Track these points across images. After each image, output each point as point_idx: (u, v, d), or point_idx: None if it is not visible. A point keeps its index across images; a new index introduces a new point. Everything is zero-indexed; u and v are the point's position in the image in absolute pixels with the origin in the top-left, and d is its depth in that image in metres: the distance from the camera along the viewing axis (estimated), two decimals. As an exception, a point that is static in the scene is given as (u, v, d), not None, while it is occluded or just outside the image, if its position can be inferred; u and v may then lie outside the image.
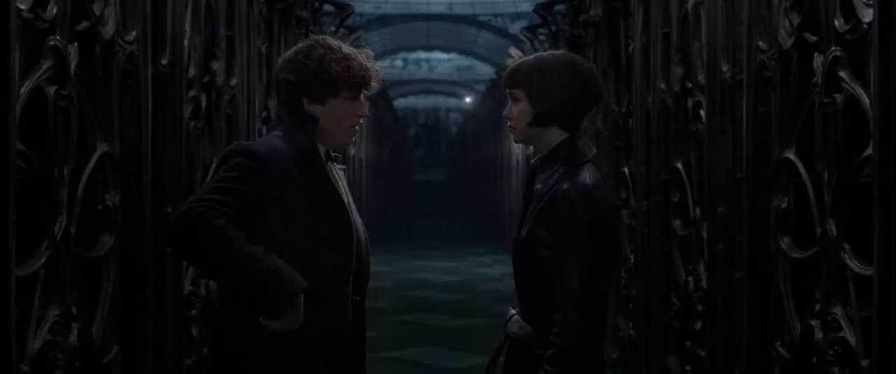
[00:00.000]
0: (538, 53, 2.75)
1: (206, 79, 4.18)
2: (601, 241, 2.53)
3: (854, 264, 2.74)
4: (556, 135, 2.66)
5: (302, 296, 2.67)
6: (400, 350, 7.57)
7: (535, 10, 8.71)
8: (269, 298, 2.65)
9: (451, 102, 45.52)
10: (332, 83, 2.81)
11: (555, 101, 2.62)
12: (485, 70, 32.63)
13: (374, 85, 2.89)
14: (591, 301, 2.50)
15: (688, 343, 4.43)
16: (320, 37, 2.92)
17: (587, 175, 2.57)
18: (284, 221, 2.71)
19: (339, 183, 2.92)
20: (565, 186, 2.55)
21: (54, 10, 2.68)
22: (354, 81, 2.83)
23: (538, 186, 2.64)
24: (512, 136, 2.77)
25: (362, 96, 2.87)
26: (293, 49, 2.89)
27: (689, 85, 4.39)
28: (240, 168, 2.68)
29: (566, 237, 2.51)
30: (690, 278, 4.38)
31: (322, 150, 2.85)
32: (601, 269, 2.53)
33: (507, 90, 2.71)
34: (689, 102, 4.39)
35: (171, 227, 2.65)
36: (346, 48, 2.88)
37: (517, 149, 13.76)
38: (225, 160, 2.76)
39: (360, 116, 2.90)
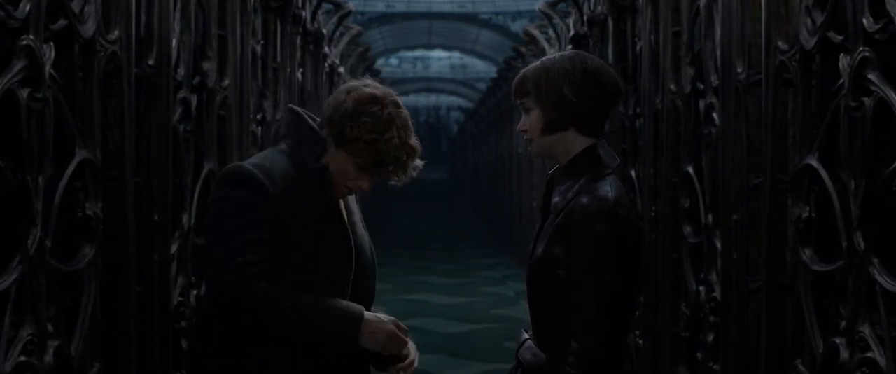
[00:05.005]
0: (543, 57, 2.58)
1: (197, 80, 4.02)
2: (623, 261, 2.32)
3: (884, 280, 2.57)
4: (575, 142, 2.46)
5: (366, 314, 2.62)
6: (400, 357, 7.40)
7: (538, 9, 8.57)
8: (337, 334, 2.59)
9: (452, 100, 45.49)
10: (352, 141, 2.64)
11: (567, 103, 2.43)
12: (482, 68, 32.58)
13: (394, 179, 2.71)
14: (611, 328, 2.29)
15: (699, 355, 4.27)
16: (394, 100, 2.69)
17: (609, 188, 2.36)
18: (283, 246, 2.60)
19: (350, 206, 2.80)
20: (585, 199, 2.35)
21: (28, 8, 2.51)
22: (376, 159, 2.65)
23: (556, 198, 2.43)
24: (531, 150, 2.58)
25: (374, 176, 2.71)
26: (371, 84, 2.71)
27: (701, 86, 4.23)
28: (248, 208, 2.58)
29: (584, 257, 2.31)
30: (702, 288, 4.22)
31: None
32: (622, 292, 2.33)
33: (518, 102, 2.53)
34: (701, 104, 4.22)
35: (218, 302, 2.61)
36: (409, 128, 2.67)
37: (521, 148, 13.58)
38: (225, 187, 2.63)
39: (358, 188, 2.74)
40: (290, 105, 2.79)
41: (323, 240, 2.64)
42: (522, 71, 2.56)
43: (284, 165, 2.64)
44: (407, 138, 2.65)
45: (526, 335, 2.51)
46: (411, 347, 2.80)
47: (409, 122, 2.71)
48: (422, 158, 2.72)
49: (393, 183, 2.72)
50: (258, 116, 5.13)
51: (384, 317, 2.69)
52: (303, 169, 2.65)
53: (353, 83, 2.70)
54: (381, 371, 2.83)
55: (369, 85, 2.68)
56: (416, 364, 2.79)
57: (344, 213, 2.77)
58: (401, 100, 2.73)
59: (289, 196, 2.59)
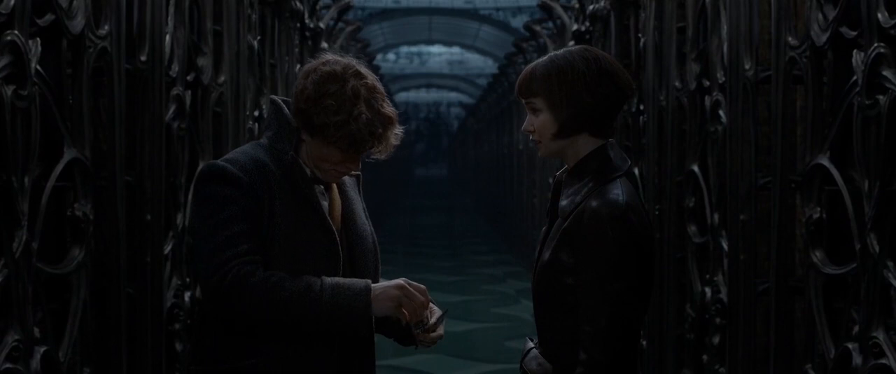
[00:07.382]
0: (551, 54, 2.44)
1: (192, 76, 3.93)
2: (634, 269, 2.22)
3: (900, 284, 2.48)
4: (586, 143, 2.34)
5: (372, 286, 2.50)
6: (400, 358, 7.27)
7: (538, 5, 8.49)
8: (348, 313, 2.47)
9: (452, 96, 45.44)
10: (322, 126, 2.48)
11: (582, 105, 2.30)
12: (480, 64, 32.52)
13: (378, 151, 2.55)
14: (622, 339, 2.19)
15: (704, 357, 4.18)
16: (355, 70, 2.51)
17: (620, 191, 2.25)
18: (265, 239, 2.49)
19: (348, 195, 2.69)
20: (594, 203, 2.24)
21: (12, 2, 2.42)
22: (352, 139, 2.49)
23: (563, 202, 2.32)
24: (538, 151, 2.46)
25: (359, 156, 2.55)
26: (329, 60, 2.54)
27: (707, 83, 4.14)
28: (228, 203, 2.46)
29: (594, 264, 2.20)
30: (708, 289, 4.14)
31: (308, 169, 2.57)
32: (634, 301, 2.23)
33: (524, 101, 2.40)
34: (707, 102, 4.14)
35: (212, 304, 2.49)
36: (380, 96, 2.49)
37: (523, 144, 13.51)
38: (202, 186, 2.52)
39: (348, 171, 2.61)
40: (273, 96, 2.65)
41: (302, 232, 2.53)
42: (530, 68, 2.41)
43: (259, 156, 2.53)
44: (379, 108, 2.49)
45: (531, 344, 2.41)
46: (434, 310, 2.66)
47: (379, 87, 2.54)
48: (401, 124, 2.56)
49: (376, 157, 2.58)
50: (255, 113, 5.04)
51: (390, 282, 2.57)
52: (281, 160, 2.54)
53: (312, 64, 2.55)
54: (405, 346, 2.72)
55: (328, 62, 2.53)
56: (441, 331, 2.66)
57: (338, 202, 2.66)
58: (364, 67, 2.56)
59: (265, 187, 2.49)
